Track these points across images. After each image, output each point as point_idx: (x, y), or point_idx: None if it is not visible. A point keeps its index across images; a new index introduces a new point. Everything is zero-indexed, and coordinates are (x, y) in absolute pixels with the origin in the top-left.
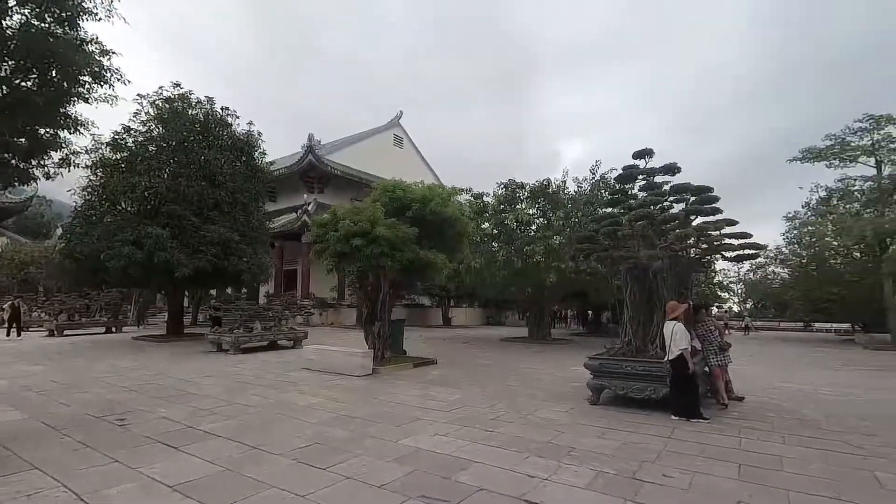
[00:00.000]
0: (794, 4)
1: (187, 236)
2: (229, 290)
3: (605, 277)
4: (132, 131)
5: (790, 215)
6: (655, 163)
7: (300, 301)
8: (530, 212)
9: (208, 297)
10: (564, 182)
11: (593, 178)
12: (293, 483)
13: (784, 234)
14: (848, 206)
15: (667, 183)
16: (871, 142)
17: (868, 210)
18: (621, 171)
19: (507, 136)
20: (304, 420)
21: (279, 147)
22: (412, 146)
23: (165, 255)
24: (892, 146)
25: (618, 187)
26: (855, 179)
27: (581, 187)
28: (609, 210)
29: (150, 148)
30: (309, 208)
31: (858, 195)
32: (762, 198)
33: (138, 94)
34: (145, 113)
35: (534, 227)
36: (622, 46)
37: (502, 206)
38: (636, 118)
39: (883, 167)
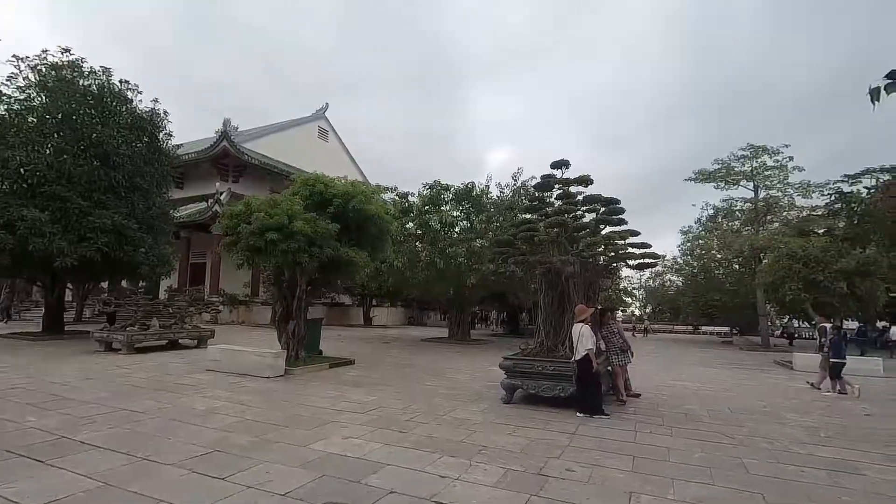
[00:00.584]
0: (700, 41)
1: (72, 221)
2: (125, 284)
3: (523, 281)
4: (5, 98)
5: (685, 229)
6: (571, 174)
7: (208, 297)
8: (454, 214)
9: (98, 291)
10: (488, 187)
11: (515, 184)
12: (184, 496)
13: (679, 246)
14: (730, 224)
15: (580, 193)
16: (750, 168)
17: (746, 228)
18: (539, 180)
19: (435, 138)
20: (204, 426)
21: (190, 132)
22: (338, 140)
23: (42, 242)
24: (766, 173)
25: (536, 195)
26: (736, 200)
27: (503, 193)
28: (527, 216)
29: (30, 119)
30: (221, 198)
31: (739, 214)
32: (664, 211)
33: (14, 56)
34: (24, 78)
35: (457, 230)
36: (548, 58)
37: (427, 207)
38: (558, 129)
39: (759, 191)
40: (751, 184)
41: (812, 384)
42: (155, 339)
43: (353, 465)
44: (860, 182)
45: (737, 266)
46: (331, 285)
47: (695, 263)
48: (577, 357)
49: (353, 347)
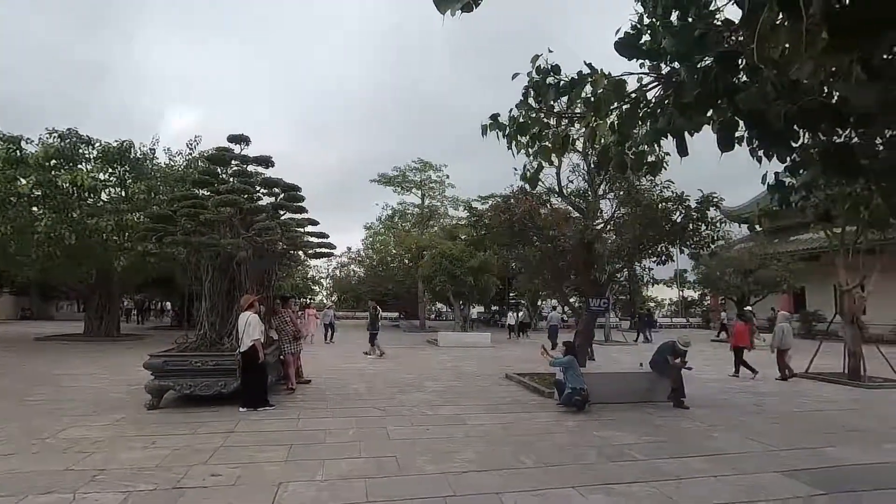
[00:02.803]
0: (404, 56)
1: None
2: None
3: (185, 264)
4: None
5: (368, 225)
6: (261, 153)
7: None
8: (100, 177)
9: None
10: (154, 150)
11: (190, 153)
12: None
13: (363, 240)
14: (403, 224)
15: (260, 174)
16: (420, 179)
17: (415, 229)
18: (213, 152)
19: (94, 76)
20: None
21: None
22: None
23: None
24: (431, 185)
25: (209, 168)
26: (409, 205)
27: (174, 161)
28: (195, 191)
29: None
30: None
31: (410, 217)
32: (355, 207)
33: None
34: None
35: (104, 197)
36: (263, 30)
37: (54, 162)
38: (262, 107)
39: (425, 199)
40: (419, 192)
41: (366, 353)
42: None
43: None
44: (488, 202)
45: (406, 261)
46: None
47: (375, 257)
48: (244, 348)
49: None
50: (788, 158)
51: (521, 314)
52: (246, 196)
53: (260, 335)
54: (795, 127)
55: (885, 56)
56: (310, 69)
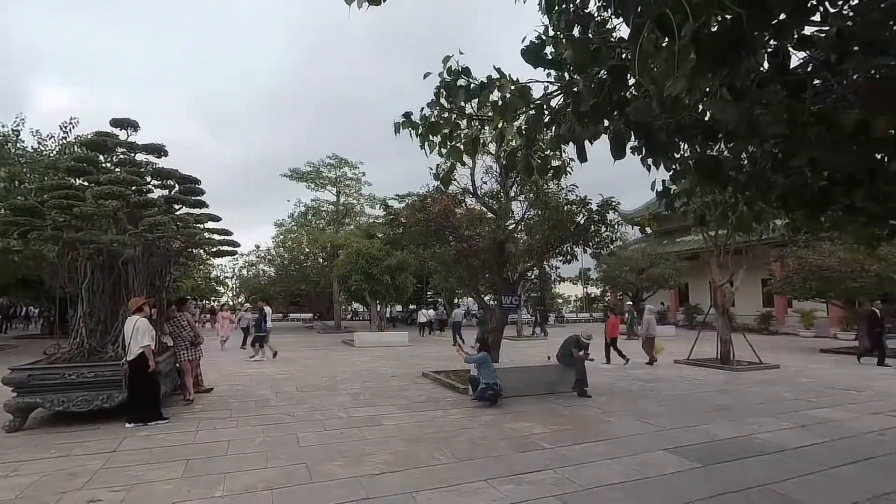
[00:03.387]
0: (312, 53)
1: None
2: None
3: (57, 263)
4: None
5: (279, 222)
6: (153, 142)
7: None
8: None
9: None
10: (18, 132)
11: (65, 137)
12: None
13: (273, 238)
14: (318, 222)
15: (152, 164)
16: (335, 176)
17: (330, 227)
18: (93, 137)
19: None
20: None
21: None
22: None
23: None
24: (346, 182)
25: (87, 154)
26: (323, 202)
27: (44, 145)
28: (70, 180)
29: None
30: None
31: (325, 214)
32: (264, 203)
33: None
34: None
35: None
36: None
37: None
38: (155, 92)
39: (340, 196)
40: (335, 189)
41: (252, 357)
42: None
43: None
44: (405, 201)
45: (321, 259)
46: None
47: (287, 255)
48: (131, 356)
49: None
50: (672, 167)
51: (433, 312)
52: (134, 188)
53: (150, 341)
54: (676, 139)
55: (747, 80)
56: (214, 54)
